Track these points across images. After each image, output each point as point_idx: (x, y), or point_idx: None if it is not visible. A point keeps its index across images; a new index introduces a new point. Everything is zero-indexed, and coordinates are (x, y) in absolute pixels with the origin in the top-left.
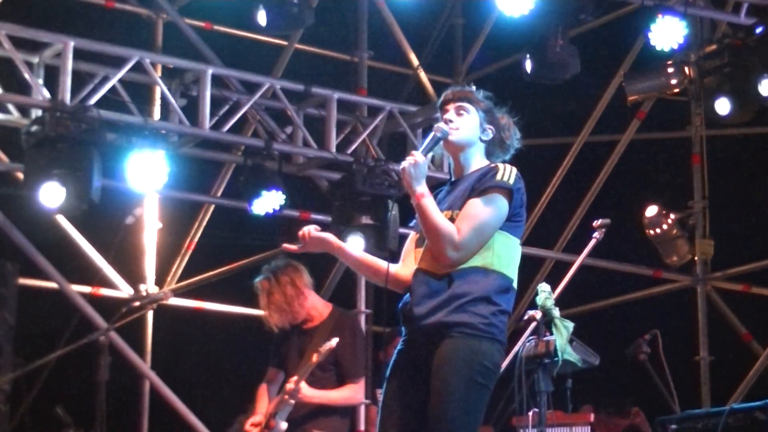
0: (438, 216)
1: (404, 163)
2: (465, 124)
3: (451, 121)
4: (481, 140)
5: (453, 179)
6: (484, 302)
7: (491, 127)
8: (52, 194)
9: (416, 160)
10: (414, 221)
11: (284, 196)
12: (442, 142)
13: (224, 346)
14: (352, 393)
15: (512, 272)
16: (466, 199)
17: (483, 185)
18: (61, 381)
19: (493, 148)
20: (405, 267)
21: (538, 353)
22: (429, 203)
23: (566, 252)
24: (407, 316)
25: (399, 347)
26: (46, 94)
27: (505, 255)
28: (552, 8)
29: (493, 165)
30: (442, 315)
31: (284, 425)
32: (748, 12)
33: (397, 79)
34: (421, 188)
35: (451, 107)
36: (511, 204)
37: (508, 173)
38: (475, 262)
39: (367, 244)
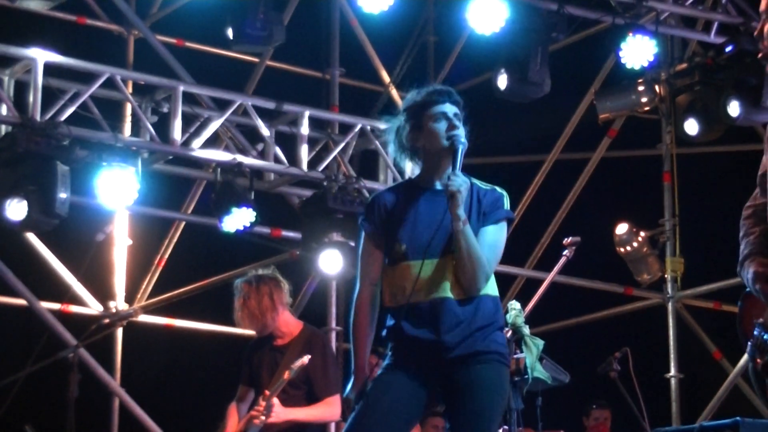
0: (477, 244)
1: (458, 186)
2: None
3: (458, 128)
4: None
5: (424, 185)
6: (500, 331)
7: None
8: (16, 210)
9: (469, 183)
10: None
11: (255, 213)
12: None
13: (194, 364)
14: (330, 408)
15: None
16: (477, 222)
17: (497, 215)
18: (31, 398)
19: None
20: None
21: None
22: (471, 231)
23: (537, 269)
24: (424, 344)
25: (390, 362)
26: (16, 110)
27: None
28: (524, 27)
29: (492, 188)
30: (474, 344)
31: None
32: (718, 31)
33: (369, 96)
34: (464, 213)
35: (451, 111)
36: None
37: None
38: (487, 289)
39: (345, 262)
